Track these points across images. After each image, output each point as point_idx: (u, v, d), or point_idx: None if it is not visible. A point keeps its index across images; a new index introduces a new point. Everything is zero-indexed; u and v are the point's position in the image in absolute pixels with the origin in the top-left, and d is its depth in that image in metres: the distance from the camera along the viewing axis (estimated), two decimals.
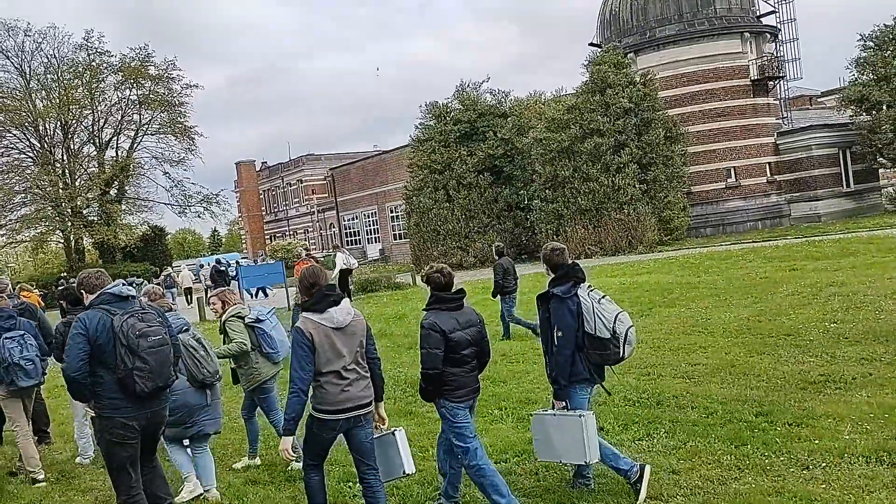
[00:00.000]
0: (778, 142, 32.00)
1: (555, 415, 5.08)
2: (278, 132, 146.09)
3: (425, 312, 4.93)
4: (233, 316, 6.49)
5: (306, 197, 72.04)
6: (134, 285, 24.10)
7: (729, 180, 31.44)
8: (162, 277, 28.98)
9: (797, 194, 31.85)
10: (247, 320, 6.51)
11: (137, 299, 5.09)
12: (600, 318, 4.88)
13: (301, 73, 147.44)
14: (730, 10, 31.95)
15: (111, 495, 5.60)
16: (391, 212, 47.44)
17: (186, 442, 6.13)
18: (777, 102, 32.77)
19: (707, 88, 31.30)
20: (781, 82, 32.51)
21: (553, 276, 5.19)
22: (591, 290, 5.07)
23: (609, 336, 4.89)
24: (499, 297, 12.44)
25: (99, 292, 4.87)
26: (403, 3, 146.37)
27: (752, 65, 31.60)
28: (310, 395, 4.56)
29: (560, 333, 4.98)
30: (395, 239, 47.12)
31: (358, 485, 5.15)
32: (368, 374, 4.69)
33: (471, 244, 30.88)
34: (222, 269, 28.27)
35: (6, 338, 7.10)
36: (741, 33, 31.58)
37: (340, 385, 4.52)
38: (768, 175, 31.73)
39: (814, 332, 9.83)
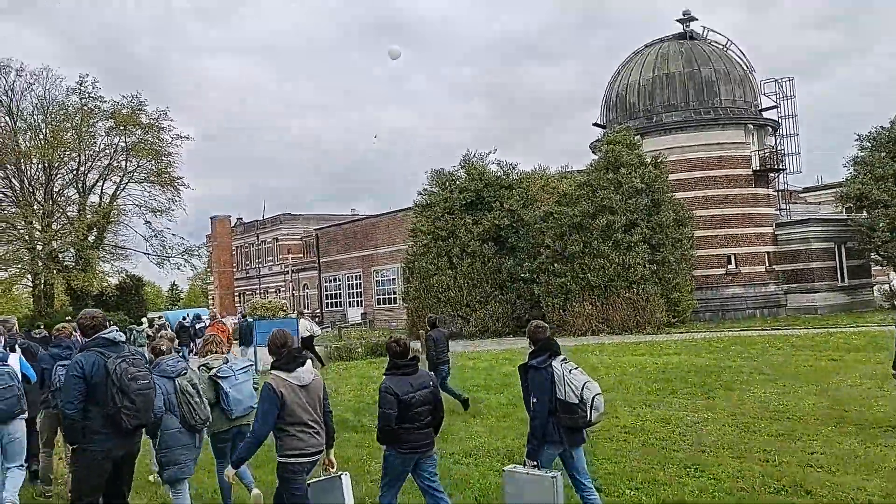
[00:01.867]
0: (777, 232, 32.54)
1: (527, 473, 5.70)
2: (249, 189, 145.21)
3: (384, 376, 5.71)
4: (203, 365, 6.79)
5: (281, 256, 71.03)
6: (136, 331, 22.81)
7: (729, 267, 31.73)
8: (156, 326, 27.82)
9: (794, 285, 32.23)
10: (212, 372, 6.71)
11: (126, 345, 5.63)
12: (570, 386, 5.59)
13: (276, 133, 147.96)
14: (734, 102, 32.87)
15: None
16: (377, 276, 46.81)
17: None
18: (776, 194, 33.47)
19: (711, 175, 31.89)
20: (781, 174, 33.28)
21: (533, 349, 5.95)
22: (565, 362, 5.77)
23: (577, 402, 5.58)
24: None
25: (95, 336, 5.43)
26: (378, 75, 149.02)
27: (755, 155, 32.38)
28: (280, 444, 5.31)
29: (535, 399, 5.72)
30: (380, 304, 46.34)
31: None
32: (322, 425, 5.46)
33: (472, 313, 30.36)
34: (187, 325, 27.39)
35: (59, 365, 7.80)
36: (745, 124, 32.46)
37: (309, 433, 5.28)
38: (767, 264, 32.12)
39: None
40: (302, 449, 5.26)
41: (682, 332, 26.25)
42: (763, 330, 25.38)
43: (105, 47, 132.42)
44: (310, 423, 5.27)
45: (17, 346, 8.09)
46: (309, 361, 5.43)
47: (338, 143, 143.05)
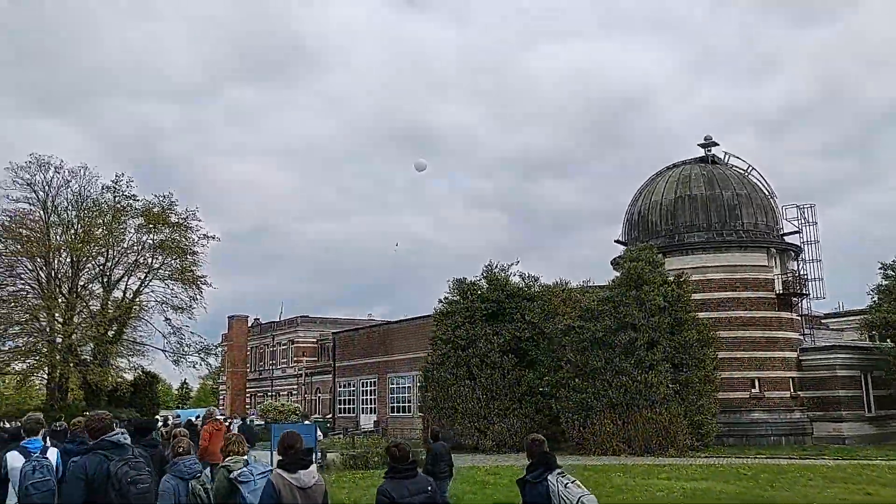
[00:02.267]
0: (801, 358, 32.12)
1: None
2: (261, 290, 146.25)
3: (384, 479, 5.81)
4: (224, 466, 6.67)
5: (295, 359, 70.70)
6: (157, 428, 22.61)
7: (753, 391, 31.16)
8: (171, 425, 27.56)
9: (820, 413, 31.49)
10: (232, 475, 6.57)
11: (131, 447, 5.79)
12: (564, 499, 5.71)
13: (292, 236, 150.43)
14: (755, 226, 33.24)
15: None
16: (392, 383, 46.30)
17: None
18: (799, 318, 33.25)
19: (733, 297, 31.85)
20: (804, 299, 33.17)
21: (529, 462, 6.16)
22: (562, 476, 5.88)
23: None
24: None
25: (100, 438, 5.61)
26: (396, 182, 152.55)
27: (777, 279, 32.42)
28: None
29: None
30: (394, 412, 45.60)
31: None
32: None
33: (490, 426, 29.76)
34: (195, 423, 27.19)
35: (72, 461, 7.73)
36: (767, 248, 32.68)
37: None
38: (792, 390, 31.53)
39: None
40: None
41: (706, 457, 25.52)
42: (791, 458, 24.64)
43: (138, 147, 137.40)
44: None
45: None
46: (314, 466, 5.57)
47: (356, 249, 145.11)
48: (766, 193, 34.56)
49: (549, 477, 5.86)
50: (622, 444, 26.65)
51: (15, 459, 7.15)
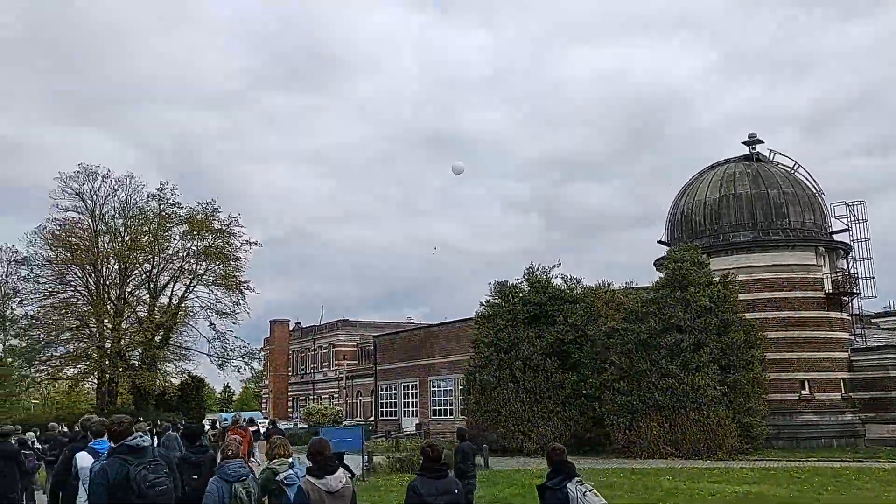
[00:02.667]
0: (852, 358, 31.41)
1: None
2: (298, 295, 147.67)
3: (416, 475, 6.22)
4: (270, 468, 6.86)
5: (336, 362, 71.22)
6: (205, 432, 23.05)
7: (803, 392, 30.55)
8: (220, 428, 28.11)
9: (872, 414, 30.75)
10: (278, 477, 6.77)
11: (151, 448, 6.06)
12: None
13: (328, 240, 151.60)
14: (803, 224, 32.60)
15: None
16: (433, 386, 46.38)
17: None
18: (850, 318, 32.52)
19: (781, 297, 31.28)
20: (855, 299, 32.44)
21: (550, 469, 6.33)
22: (580, 484, 6.03)
23: None
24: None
25: (120, 442, 5.83)
26: (432, 185, 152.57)
27: (827, 279, 31.75)
28: None
29: None
30: (436, 415, 45.67)
31: None
32: None
33: (533, 429, 29.60)
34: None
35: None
36: (815, 247, 32.03)
37: None
38: (843, 391, 30.85)
39: None
40: None
41: (755, 460, 25.11)
42: (844, 461, 24.11)
43: (176, 155, 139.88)
44: None
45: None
46: (341, 470, 5.89)
47: (391, 253, 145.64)
48: (814, 191, 33.90)
49: (568, 485, 6.04)
50: (669, 447, 26.31)
51: (84, 460, 7.49)
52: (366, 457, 22.31)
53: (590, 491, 5.99)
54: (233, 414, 39.54)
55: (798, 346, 30.80)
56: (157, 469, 5.85)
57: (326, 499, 5.65)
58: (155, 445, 10.85)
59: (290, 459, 7.03)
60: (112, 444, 5.99)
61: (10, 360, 47.90)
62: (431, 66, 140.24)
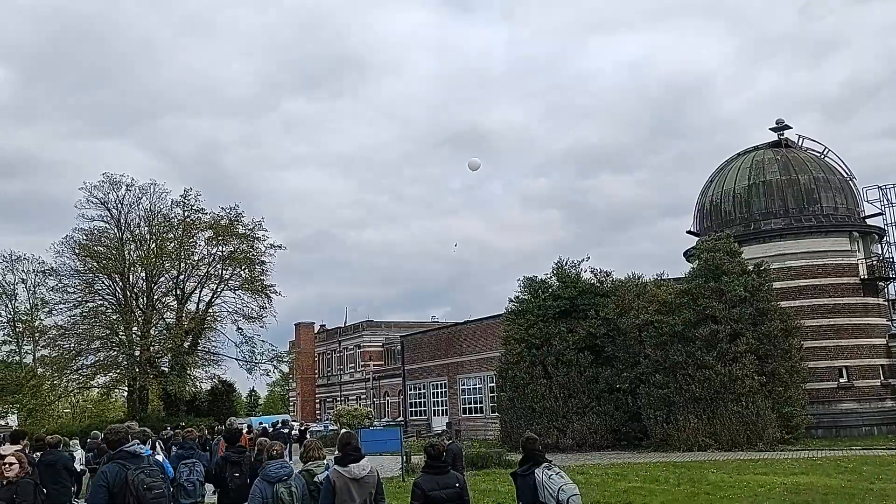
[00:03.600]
0: (890, 344, 30.89)
1: None
2: (320, 297, 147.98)
3: (421, 472, 6.62)
4: (306, 470, 7.03)
5: (362, 363, 71.22)
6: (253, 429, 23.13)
7: (841, 380, 30.08)
8: (256, 431, 28.22)
9: None
10: (315, 479, 6.91)
11: (146, 455, 6.47)
12: (547, 490, 6.34)
13: (351, 242, 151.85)
14: (836, 209, 32.10)
15: None
16: (462, 384, 46.24)
17: None
18: (887, 304, 31.98)
19: (815, 284, 30.82)
20: (891, 284, 31.88)
21: (522, 457, 6.85)
22: (548, 469, 6.47)
23: (554, 502, 6.31)
24: None
25: (119, 449, 6.17)
26: (452, 185, 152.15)
27: (861, 264, 31.24)
28: None
29: (521, 502, 6.69)
30: (466, 413, 45.52)
31: None
32: None
33: (569, 425, 29.38)
34: (271, 431, 27.92)
35: (182, 463, 9.39)
36: (849, 232, 31.53)
37: None
38: (882, 378, 30.33)
39: None
40: None
41: (797, 450, 24.72)
42: (890, 449, 23.66)
43: (198, 162, 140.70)
44: None
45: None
46: (365, 459, 6.46)
47: (414, 253, 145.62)
48: (845, 175, 33.36)
49: (536, 470, 6.51)
50: (708, 439, 25.97)
51: None
52: (404, 457, 22.17)
53: (556, 474, 6.43)
54: (275, 418, 39.66)
55: (834, 333, 30.33)
56: (154, 474, 6.23)
57: (352, 485, 6.17)
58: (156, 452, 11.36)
59: (325, 461, 7.22)
60: (111, 451, 6.36)
61: (40, 370, 48.36)
62: (452, 64, 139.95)
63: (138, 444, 6.38)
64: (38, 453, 10.53)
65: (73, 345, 42.89)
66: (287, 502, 6.64)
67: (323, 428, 45.71)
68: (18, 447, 9.96)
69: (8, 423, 48.21)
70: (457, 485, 6.48)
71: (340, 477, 6.22)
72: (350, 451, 6.38)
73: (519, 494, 6.75)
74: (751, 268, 28.42)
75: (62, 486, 9.91)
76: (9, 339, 52.21)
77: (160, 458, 8.93)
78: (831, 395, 30.04)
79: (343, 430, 7.04)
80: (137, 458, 6.20)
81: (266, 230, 47.80)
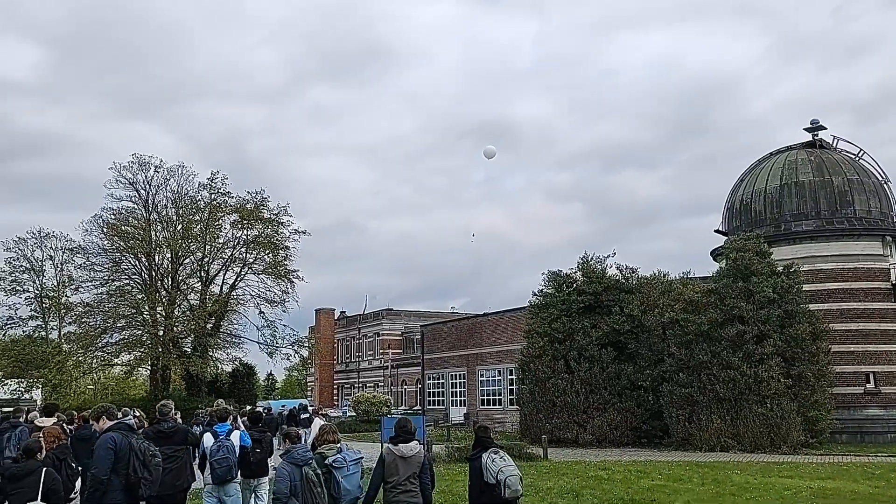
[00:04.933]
0: None
1: None
2: (342, 284, 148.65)
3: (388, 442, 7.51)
4: (319, 453, 7.39)
5: (381, 351, 71.50)
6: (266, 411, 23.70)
7: (868, 386, 29.68)
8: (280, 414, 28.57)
9: None
10: (327, 461, 7.26)
11: (137, 431, 7.26)
12: (489, 471, 7.18)
13: (372, 231, 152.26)
14: (869, 213, 31.60)
15: None
16: (482, 376, 46.23)
17: None
18: None
19: (845, 288, 30.39)
20: None
21: (473, 443, 7.81)
22: (493, 453, 7.32)
23: (494, 482, 7.13)
24: None
25: (117, 420, 6.97)
26: (474, 177, 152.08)
27: (893, 269, 30.74)
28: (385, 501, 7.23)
29: (470, 483, 7.55)
30: (484, 404, 45.52)
31: None
32: (418, 490, 7.21)
33: (589, 420, 29.26)
34: (294, 413, 28.73)
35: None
36: (882, 236, 31.03)
37: (407, 493, 7.12)
38: None
39: None
40: (398, 502, 7.14)
41: (821, 454, 24.44)
42: None
43: (225, 147, 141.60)
44: (404, 482, 7.12)
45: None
46: (415, 441, 7.37)
47: (434, 243, 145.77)
48: (879, 178, 32.82)
49: (483, 455, 7.37)
50: (730, 439, 25.74)
51: (208, 440, 9.29)
52: (425, 445, 22.19)
53: (499, 458, 7.26)
54: (295, 402, 39.82)
55: (863, 338, 29.92)
56: (151, 445, 7.04)
57: (399, 462, 7.14)
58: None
59: (339, 445, 7.54)
60: (110, 423, 7.09)
61: (66, 346, 48.92)
62: (478, 56, 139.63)
63: (131, 416, 7.52)
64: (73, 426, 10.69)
65: (98, 322, 43.27)
66: (315, 483, 7.01)
67: (342, 414, 45.91)
68: (54, 420, 10.06)
69: (32, 398, 48.86)
70: (419, 451, 7.49)
71: (391, 453, 7.19)
72: (403, 433, 7.32)
73: (469, 476, 7.58)
74: (780, 269, 28.06)
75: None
76: (35, 314, 52.75)
77: (236, 434, 9.72)
78: (857, 401, 29.66)
79: (399, 417, 7.98)
80: (133, 430, 6.99)
81: (291, 216, 47.94)
